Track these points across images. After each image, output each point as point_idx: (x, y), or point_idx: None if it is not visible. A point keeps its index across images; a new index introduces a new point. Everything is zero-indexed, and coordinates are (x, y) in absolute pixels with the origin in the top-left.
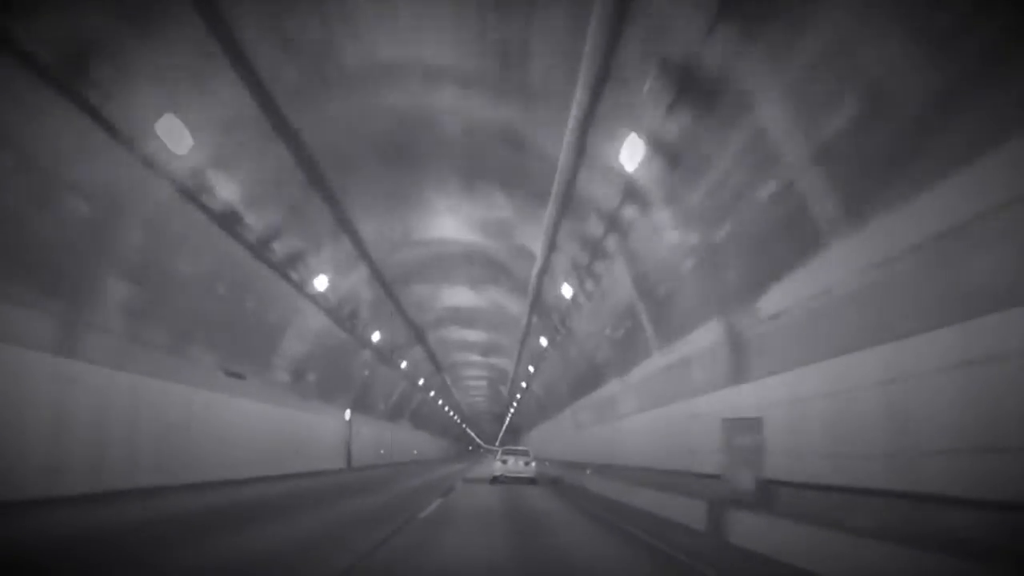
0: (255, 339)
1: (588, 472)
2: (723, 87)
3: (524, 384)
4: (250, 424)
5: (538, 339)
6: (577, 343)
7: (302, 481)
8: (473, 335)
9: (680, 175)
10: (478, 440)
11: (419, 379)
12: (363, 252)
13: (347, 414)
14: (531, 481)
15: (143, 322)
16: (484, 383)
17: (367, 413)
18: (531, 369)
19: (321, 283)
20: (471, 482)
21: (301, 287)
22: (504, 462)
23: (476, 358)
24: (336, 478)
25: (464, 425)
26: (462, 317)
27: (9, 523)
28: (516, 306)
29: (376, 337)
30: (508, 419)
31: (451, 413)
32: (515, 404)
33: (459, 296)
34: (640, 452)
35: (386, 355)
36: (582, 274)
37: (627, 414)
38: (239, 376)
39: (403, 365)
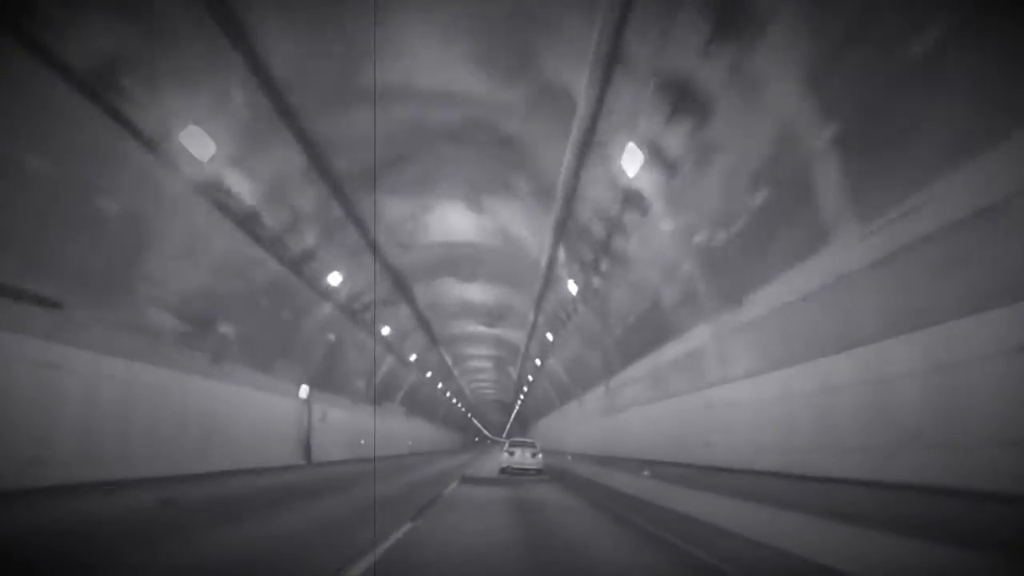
0: (68, 235)
1: (646, 474)
2: None
3: (538, 361)
4: (78, 391)
5: (564, 286)
6: (630, 275)
7: (194, 488)
8: (475, 293)
9: None
10: (484, 431)
11: (410, 354)
12: (279, 103)
13: (303, 391)
14: (537, 472)
15: None
16: (490, 364)
17: (338, 393)
18: (550, 337)
19: (198, 145)
20: (471, 483)
21: (153, 145)
22: (511, 454)
23: (480, 330)
24: (273, 480)
25: (469, 415)
26: (458, 260)
27: None
28: (535, 233)
29: (336, 280)
30: (517, 407)
31: (454, 400)
32: (525, 389)
33: (452, 219)
34: (766, 445)
35: (357, 313)
36: (671, 116)
37: (730, 379)
38: (41, 301)
39: (385, 331)
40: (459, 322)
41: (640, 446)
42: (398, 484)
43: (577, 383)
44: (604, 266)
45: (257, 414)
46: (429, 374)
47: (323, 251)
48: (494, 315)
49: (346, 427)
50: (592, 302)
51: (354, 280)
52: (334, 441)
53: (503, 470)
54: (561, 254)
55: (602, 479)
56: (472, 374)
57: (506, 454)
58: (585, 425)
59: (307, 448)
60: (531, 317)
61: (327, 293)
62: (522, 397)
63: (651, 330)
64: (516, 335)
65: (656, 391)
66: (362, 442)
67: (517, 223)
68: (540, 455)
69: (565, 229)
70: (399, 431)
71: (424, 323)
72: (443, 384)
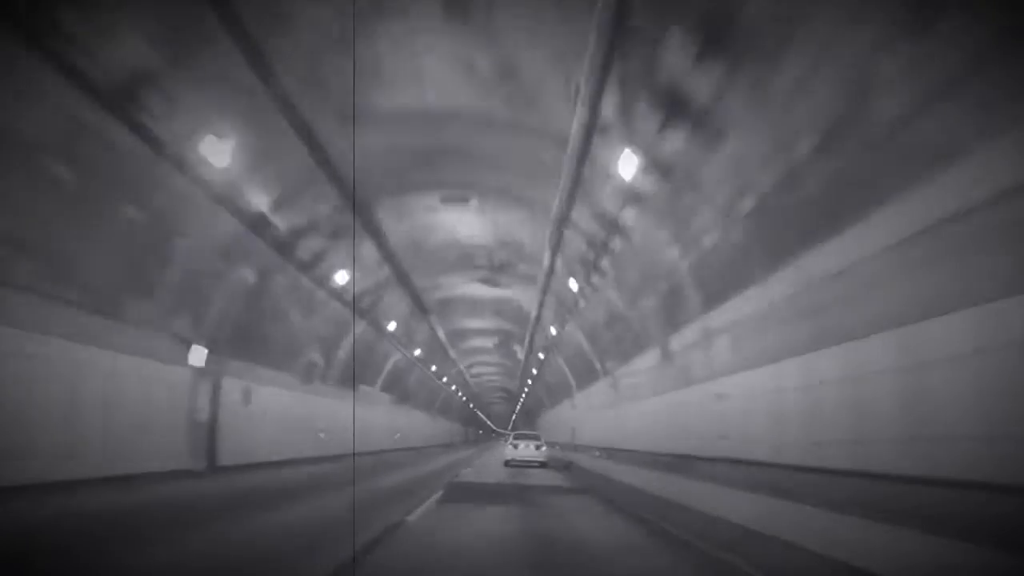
0: None
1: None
2: None
3: (553, 330)
4: None
5: (609, 172)
6: (778, 83)
7: None
8: (469, 224)
9: None
10: (489, 423)
11: (388, 321)
12: None
13: (196, 356)
14: (542, 464)
15: None
16: (493, 342)
17: (274, 366)
18: (572, 287)
19: None
20: (459, 499)
21: None
22: (515, 446)
23: (478, 291)
24: (56, 509)
25: (472, 404)
26: (438, 153)
27: None
28: (563, 55)
29: (217, 155)
30: (524, 395)
31: (453, 387)
32: (535, 372)
33: (419, 42)
34: None
35: (288, 242)
36: None
37: None
38: None
39: (342, 280)
40: (449, 277)
41: (764, 439)
42: (334, 504)
43: (608, 354)
44: (706, 85)
45: (71, 385)
46: (418, 352)
47: (169, 76)
48: (496, 264)
49: (291, 415)
50: (659, 195)
51: (262, 163)
52: (266, 434)
53: (507, 463)
54: (612, 102)
55: (691, 501)
56: (472, 355)
57: (510, 447)
58: (619, 412)
59: (210, 445)
60: (546, 260)
61: (214, 187)
62: (530, 382)
63: (808, 208)
64: (525, 295)
65: (812, 334)
66: (322, 435)
67: (531, 39)
68: (544, 447)
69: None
70: (380, 422)
71: (400, 273)
72: (438, 367)
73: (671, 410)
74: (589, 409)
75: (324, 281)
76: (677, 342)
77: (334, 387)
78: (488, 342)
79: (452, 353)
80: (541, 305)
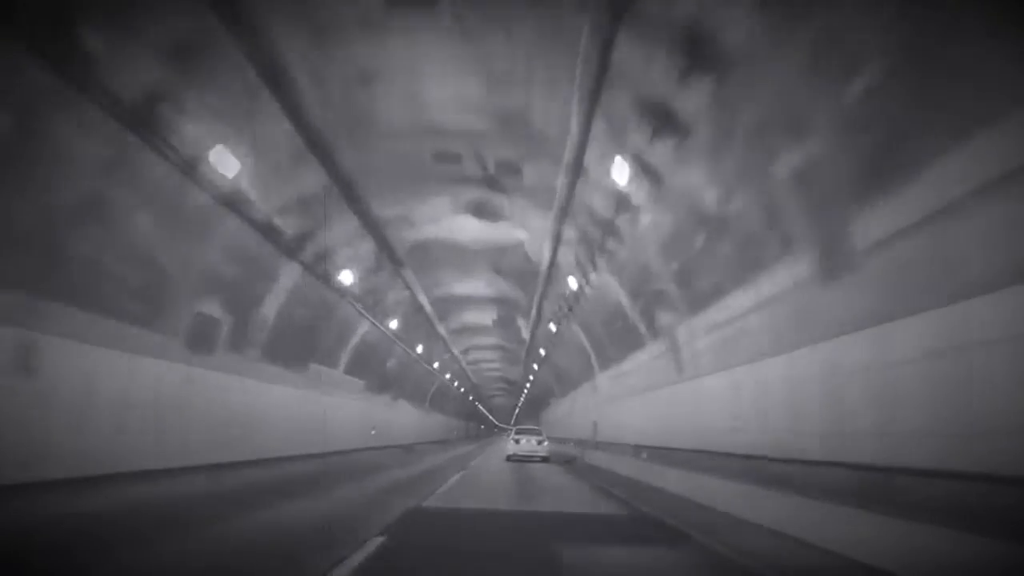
0: None
1: None
2: None
3: (573, 281)
4: None
5: None
6: None
7: None
8: (441, 77)
9: None
10: (491, 417)
11: (338, 269)
12: None
13: None
14: (544, 459)
15: None
16: (492, 317)
17: (115, 315)
18: (618, 178)
19: None
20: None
21: None
22: (517, 441)
23: (466, 225)
24: None
25: (471, 396)
26: None
27: None
28: None
29: None
30: (529, 384)
31: (447, 376)
32: (543, 352)
33: None
34: None
35: (70, 59)
36: None
37: None
38: None
39: (225, 168)
40: (424, 200)
41: None
42: None
43: (666, 300)
44: None
45: None
46: (395, 324)
47: None
48: (491, 170)
49: (164, 398)
50: None
51: None
52: (91, 429)
53: (509, 457)
54: None
55: None
56: (468, 337)
57: (512, 442)
58: (683, 391)
59: None
60: (574, 127)
61: None
62: (536, 367)
63: None
64: (534, 231)
65: None
66: (234, 432)
67: None
68: (546, 442)
69: None
70: (346, 414)
71: (342, 181)
72: (425, 348)
73: (846, 378)
74: (623, 393)
75: (192, 167)
76: (900, 213)
77: (256, 361)
78: (486, 317)
79: (441, 330)
80: (557, 240)
